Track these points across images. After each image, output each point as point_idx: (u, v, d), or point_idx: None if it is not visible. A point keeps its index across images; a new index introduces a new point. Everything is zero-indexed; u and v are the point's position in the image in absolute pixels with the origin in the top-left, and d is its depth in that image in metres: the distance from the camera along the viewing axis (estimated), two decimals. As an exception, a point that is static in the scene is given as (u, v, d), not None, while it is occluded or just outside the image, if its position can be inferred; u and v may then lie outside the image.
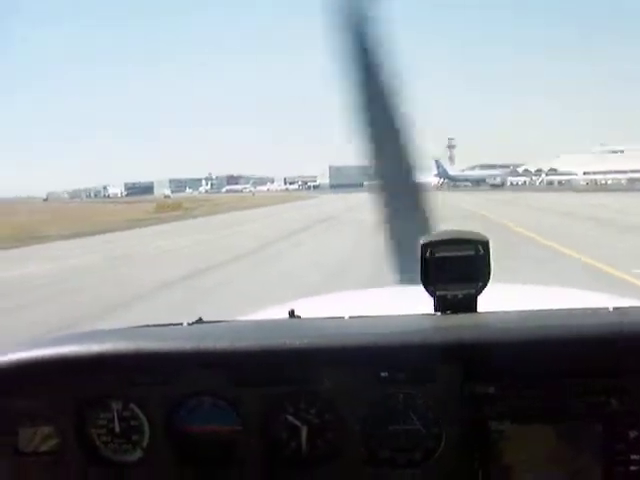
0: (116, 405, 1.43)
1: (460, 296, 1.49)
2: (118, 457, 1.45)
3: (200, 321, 1.62)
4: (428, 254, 1.46)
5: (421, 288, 1.50)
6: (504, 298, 2.13)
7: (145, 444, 1.43)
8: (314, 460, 1.39)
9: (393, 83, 2.59)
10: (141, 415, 1.43)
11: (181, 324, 1.60)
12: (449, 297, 1.49)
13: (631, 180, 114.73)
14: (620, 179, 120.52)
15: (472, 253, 1.46)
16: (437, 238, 1.49)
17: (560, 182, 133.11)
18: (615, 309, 1.48)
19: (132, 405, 1.43)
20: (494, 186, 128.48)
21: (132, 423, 1.43)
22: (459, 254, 1.46)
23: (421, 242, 1.47)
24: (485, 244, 1.47)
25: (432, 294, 1.50)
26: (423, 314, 1.54)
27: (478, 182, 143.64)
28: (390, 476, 1.37)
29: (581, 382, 1.31)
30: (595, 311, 1.52)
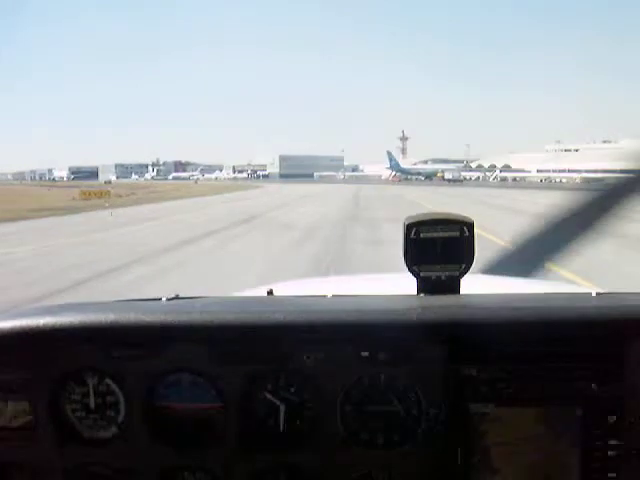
0: (92, 380, 1.40)
1: (444, 277, 1.48)
2: (92, 433, 1.42)
3: (178, 297, 1.58)
4: (413, 234, 1.46)
5: (405, 274, 1.50)
6: (485, 285, 2.09)
7: (120, 420, 1.41)
8: (292, 439, 1.38)
9: None
10: (117, 391, 1.40)
11: (160, 299, 1.55)
12: (433, 278, 1.48)
13: (585, 179, 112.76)
14: (574, 178, 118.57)
15: (457, 234, 1.45)
16: (421, 219, 1.47)
17: (514, 179, 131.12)
18: (598, 294, 1.50)
19: (108, 380, 1.40)
20: (452, 181, 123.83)
21: (108, 399, 1.41)
22: (444, 235, 1.45)
23: (406, 223, 1.46)
24: (470, 225, 1.46)
25: (416, 275, 1.49)
26: (407, 295, 1.52)
27: (430, 176, 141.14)
28: (368, 457, 1.37)
29: (563, 366, 1.32)
30: (579, 295, 1.56)
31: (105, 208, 35.27)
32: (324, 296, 1.54)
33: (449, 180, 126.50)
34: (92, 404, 1.40)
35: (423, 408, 1.34)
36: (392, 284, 1.92)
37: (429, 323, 1.32)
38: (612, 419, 1.31)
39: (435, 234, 1.45)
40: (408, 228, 1.45)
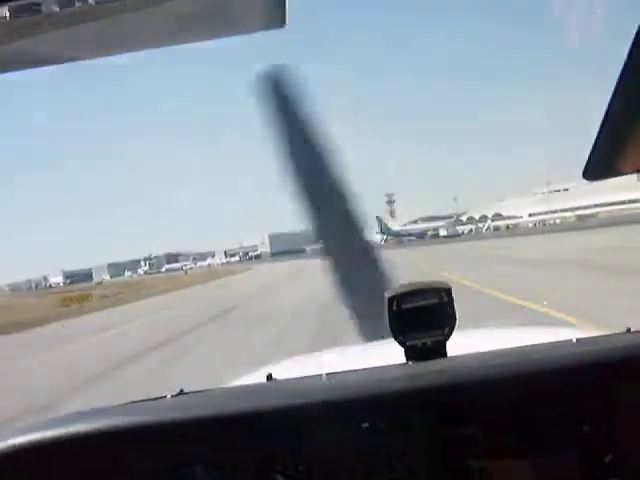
0: None
1: (429, 343, 1.54)
2: None
3: (182, 392, 1.62)
4: (395, 307, 1.52)
5: (393, 341, 1.56)
6: (471, 343, 2.19)
7: None
8: None
9: (323, 143, 2.66)
10: None
11: (165, 397, 1.60)
12: (419, 345, 1.54)
13: (579, 217, 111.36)
14: (568, 217, 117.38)
15: (437, 301, 1.52)
16: (402, 290, 1.55)
17: (507, 226, 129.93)
18: (578, 340, 1.55)
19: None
20: (448, 237, 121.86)
21: None
22: (424, 303, 1.52)
23: (387, 295, 1.54)
24: (448, 291, 1.54)
25: (402, 344, 1.55)
26: (396, 364, 1.59)
27: (422, 235, 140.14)
28: None
29: (553, 412, 1.38)
30: (559, 344, 1.62)
31: (81, 314, 33.14)
32: (319, 376, 1.56)
33: (445, 237, 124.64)
34: None
35: (426, 470, 1.39)
36: (383, 352, 1.92)
37: (420, 390, 1.40)
38: (609, 458, 1.35)
39: (415, 304, 1.50)
40: (390, 301, 1.52)
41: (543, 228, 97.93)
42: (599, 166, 1.01)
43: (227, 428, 1.41)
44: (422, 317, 1.51)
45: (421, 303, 1.51)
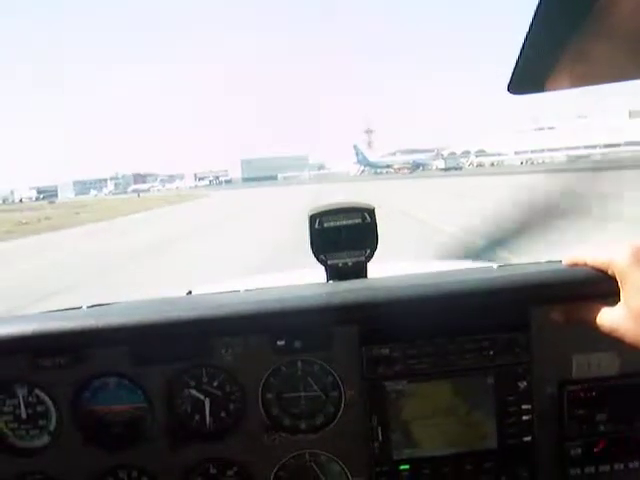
0: (21, 391, 1.45)
1: (350, 264, 1.55)
2: (26, 443, 1.46)
3: (98, 304, 1.59)
4: (317, 225, 1.52)
5: (317, 267, 1.58)
6: (392, 269, 2.14)
7: (52, 428, 1.45)
8: (218, 431, 1.45)
9: None
10: (47, 400, 1.44)
11: (80, 307, 1.56)
12: (340, 265, 1.55)
13: (570, 158, 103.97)
14: (558, 157, 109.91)
15: (359, 221, 1.52)
16: (324, 209, 1.54)
17: (492, 164, 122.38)
18: (499, 267, 1.56)
19: (37, 390, 1.44)
20: (448, 169, 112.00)
21: (38, 408, 1.45)
22: (346, 223, 1.52)
23: (309, 214, 1.53)
24: (371, 212, 1.53)
25: (323, 263, 1.56)
26: (317, 283, 1.60)
27: (416, 167, 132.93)
28: (293, 442, 1.45)
29: (471, 337, 1.38)
30: (480, 269, 1.65)
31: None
32: (237, 291, 1.57)
33: (444, 169, 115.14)
34: (23, 415, 1.44)
35: (341, 390, 1.41)
36: (304, 276, 1.92)
37: (337, 307, 1.36)
38: (522, 385, 1.38)
39: (338, 222, 1.51)
40: (312, 219, 1.51)
41: (531, 167, 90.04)
42: (524, 79, 0.96)
43: (139, 338, 1.36)
44: (344, 237, 1.50)
45: (343, 222, 1.50)
